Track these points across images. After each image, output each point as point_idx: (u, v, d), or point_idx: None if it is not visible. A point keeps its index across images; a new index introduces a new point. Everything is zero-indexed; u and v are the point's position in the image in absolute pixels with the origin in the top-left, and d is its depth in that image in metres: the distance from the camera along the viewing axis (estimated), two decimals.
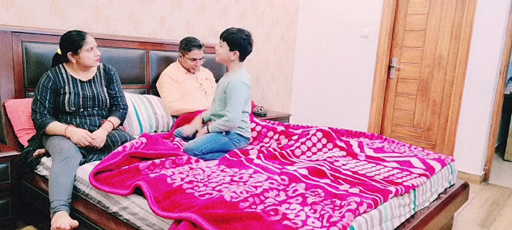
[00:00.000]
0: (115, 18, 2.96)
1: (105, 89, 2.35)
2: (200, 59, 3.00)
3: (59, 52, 2.24)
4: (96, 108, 2.29)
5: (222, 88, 2.42)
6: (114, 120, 2.33)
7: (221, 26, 3.79)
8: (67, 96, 2.19)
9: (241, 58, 2.44)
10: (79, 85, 2.24)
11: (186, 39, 2.99)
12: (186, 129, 2.56)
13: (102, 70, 2.37)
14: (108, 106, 2.36)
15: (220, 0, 3.76)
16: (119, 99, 2.42)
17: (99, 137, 2.15)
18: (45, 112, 2.15)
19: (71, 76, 2.23)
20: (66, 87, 2.20)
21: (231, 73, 2.44)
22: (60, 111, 2.21)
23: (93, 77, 2.31)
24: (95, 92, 2.28)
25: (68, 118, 2.21)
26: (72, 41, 2.17)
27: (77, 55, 2.18)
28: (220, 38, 2.43)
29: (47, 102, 2.15)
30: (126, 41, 2.89)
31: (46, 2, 2.58)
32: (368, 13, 4.18)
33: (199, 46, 2.97)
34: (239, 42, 2.38)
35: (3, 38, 2.26)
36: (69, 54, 2.18)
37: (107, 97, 2.34)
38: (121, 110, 2.41)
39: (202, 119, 2.61)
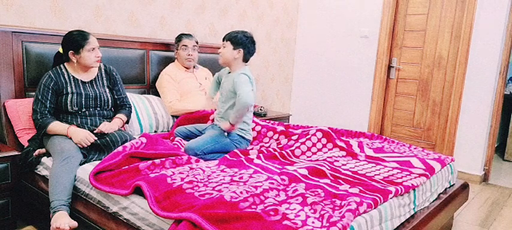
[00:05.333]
0: (115, 18, 2.96)
1: (107, 89, 2.35)
2: (193, 47, 3.00)
3: (61, 51, 2.24)
4: (98, 108, 2.29)
5: (227, 88, 2.44)
6: (122, 117, 2.39)
7: (221, 26, 3.79)
8: (69, 96, 2.18)
9: (245, 58, 2.46)
10: (81, 86, 2.24)
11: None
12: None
13: (103, 71, 2.38)
14: (110, 107, 2.36)
15: (220, 0, 3.76)
16: (124, 99, 2.47)
17: (107, 124, 2.22)
18: (46, 112, 2.14)
19: (73, 76, 2.23)
20: (68, 87, 2.20)
21: (234, 72, 2.45)
22: (62, 111, 2.21)
23: (95, 78, 2.32)
24: (97, 92, 2.28)
25: (69, 118, 2.21)
26: (75, 40, 2.17)
27: (78, 54, 2.18)
28: (223, 40, 2.47)
29: (48, 102, 2.15)
30: (126, 41, 2.89)
31: (46, 2, 2.58)
32: (368, 13, 4.18)
33: (188, 35, 3.04)
34: (242, 40, 2.42)
35: (3, 38, 2.26)
36: (70, 53, 2.18)
37: (109, 98, 2.34)
38: (127, 108, 2.47)
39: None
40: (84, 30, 2.28)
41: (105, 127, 2.21)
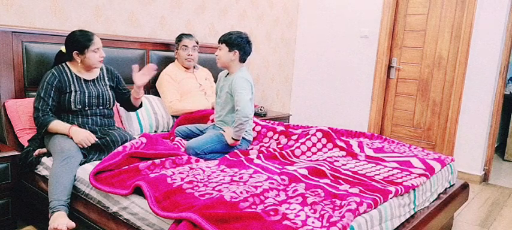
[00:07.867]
0: (115, 18, 2.96)
1: (109, 88, 2.35)
2: (193, 47, 3.01)
3: (63, 50, 2.24)
4: (100, 107, 2.29)
5: (225, 90, 2.44)
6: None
7: (221, 26, 3.79)
8: (73, 94, 2.18)
9: (242, 58, 2.46)
10: (84, 84, 2.24)
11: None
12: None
13: (105, 70, 2.38)
14: (111, 106, 2.36)
15: (220, 0, 3.76)
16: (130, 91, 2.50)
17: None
18: (48, 110, 2.13)
19: (75, 75, 2.23)
20: (72, 86, 2.19)
21: (233, 74, 2.45)
22: (64, 110, 2.20)
23: (97, 77, 2.32)
24: (100, 90, 2.28)
25: (71, 118, 2.20)
26: (80, 41, 2.17)
27: (83, 55, 2.18)
28: (219, 42, 2.48)
29: (51, 99, 2.14)
30: (126, 41, 2.89)
31: (46, 2, 2.58)
32: (368, 13, 4.18)
33: (189, 35, 3.04)
34: (237, 41, 2.42)
35: (3, 38, 2.26)
36: (74, 53, 2.18)
37: (111, 96, 2.34)
38: None
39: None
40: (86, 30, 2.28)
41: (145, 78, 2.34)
